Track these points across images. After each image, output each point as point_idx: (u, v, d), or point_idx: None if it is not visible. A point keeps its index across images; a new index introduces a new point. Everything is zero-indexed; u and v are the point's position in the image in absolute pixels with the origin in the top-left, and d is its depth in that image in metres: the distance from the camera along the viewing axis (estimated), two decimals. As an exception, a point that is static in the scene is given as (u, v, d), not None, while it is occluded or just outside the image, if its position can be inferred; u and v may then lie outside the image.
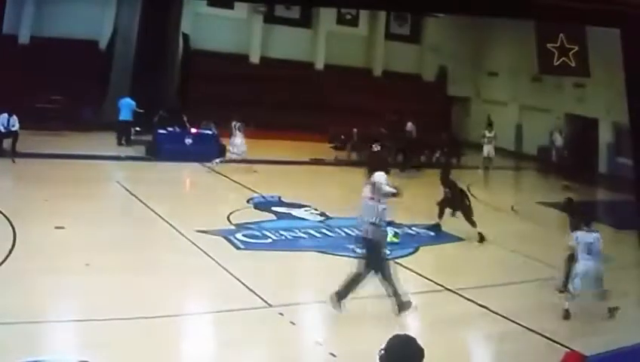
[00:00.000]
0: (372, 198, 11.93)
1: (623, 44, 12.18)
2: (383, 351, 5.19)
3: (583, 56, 17.40)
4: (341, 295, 11.87)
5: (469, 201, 16.92)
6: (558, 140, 25.40)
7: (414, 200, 18.17)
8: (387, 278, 11.83)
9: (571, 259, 13.53)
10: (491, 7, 11.14)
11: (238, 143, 21.25)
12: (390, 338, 5.21)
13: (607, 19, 11.53)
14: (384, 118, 26.13)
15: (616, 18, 11.26)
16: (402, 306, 11.77)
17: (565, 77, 23.87)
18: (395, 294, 11.79)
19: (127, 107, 23.50)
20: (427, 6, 15.85)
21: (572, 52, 17.15)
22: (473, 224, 16.55)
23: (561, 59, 17.17)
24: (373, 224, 11.81)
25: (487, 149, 24.38)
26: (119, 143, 23.49)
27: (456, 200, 16.83)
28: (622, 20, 11.32)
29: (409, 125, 26.39)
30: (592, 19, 12.09)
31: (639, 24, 11.13)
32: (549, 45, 17.24)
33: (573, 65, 17.44)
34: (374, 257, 11.88)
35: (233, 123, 21.32)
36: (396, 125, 25.86)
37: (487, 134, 24.66)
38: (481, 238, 16.41)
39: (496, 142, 24.62)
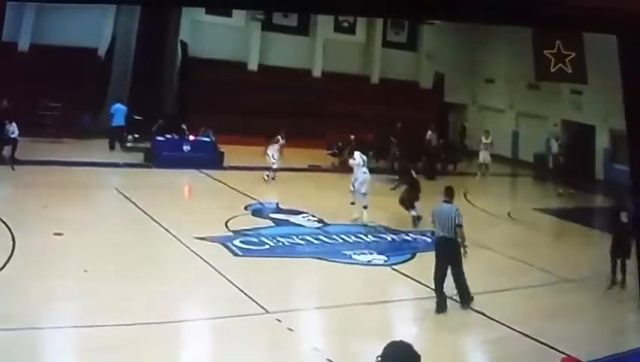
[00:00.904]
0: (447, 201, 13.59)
1: (620, 51, 12.22)
2: (379, 358, 5.23)
3: (580, 63, 17.44)
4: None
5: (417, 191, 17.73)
6: (555, 147, 25.39)
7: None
8: (462, 273, 13.05)
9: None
10: (488, 14, 11.19)
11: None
12: (387, 345, 5.24)
13: (604, 26, 11.58)
14: (394, 127, 26.18)
15: (613, 25, 11.31)
16: (465, 300, 13.07)
17: (562, 84, 23.92)
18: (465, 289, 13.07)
19: (120, 112, 23.59)
20: (424, 14, 15.91)
21: (569, 58, 17.20)
22: (407, 208, 17.49)
23: (557, 66, 17.22)
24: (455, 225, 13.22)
25: (483, 155, 24.40)
26: (111, 148, 23.53)
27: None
28: (619, 27, 11.37)
29: (429, 133, 26.41)
30: (589, 25, 12.13)
31: (636, 30, 11.18)
32: (545, 52, 17.29)
33: (570, 71, 17.48)
34: (452, 253, 13.08)
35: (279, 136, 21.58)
36: (405, 134, 25.89)
37: (484, 140, 24.67)
38: (415, 220, 17.33)
39: (492, 148, 24.64)
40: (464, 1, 11.15)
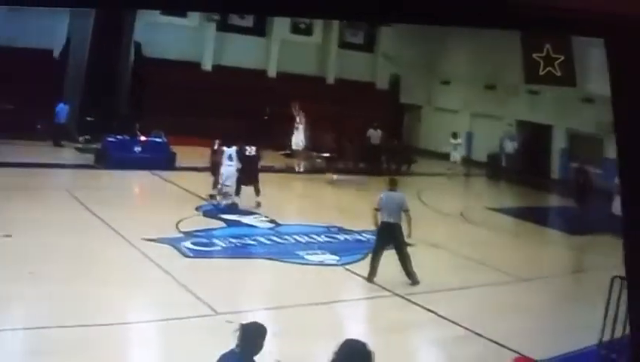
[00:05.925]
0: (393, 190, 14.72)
1: (608, 54, 12.22)
2: (333, 356, 5.22)
3: (569, 66, 17.54)
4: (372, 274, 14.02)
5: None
6: (509, 147, 25.59)
7: (364, 207, 18.19)
8: (406, 254, 14.16)
9: None
10: (474, 17, 11.14)
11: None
12: (342, 342, 5.24)
13: (591, 29, 11.58)
14: (349, 130, 26.22)
15: (602, 27, 11.31)
16: (413, 278, 14.02)
17: (519, 84, 24.07)
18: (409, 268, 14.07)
19: (63, 111, 23.61)
20: (401, 17, 15.85)
21: (558, 61, 17.29)
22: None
23: (546, 69, 17.32)
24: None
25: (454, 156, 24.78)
26: (56, 145, 23.41)
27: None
28: (607, 30, 11.38)
29: (369, 131, 26.45)
30: (577, 29, 12.14)
31: (625, 33, 11.19)
32: (534, 55, 17.36)
33: (559, 74, 17.59)
34: (398, 236, 14.14)
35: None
36: (359, 134, 25.96)
37: (453, 141, 25.04)
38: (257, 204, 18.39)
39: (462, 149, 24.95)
40: (446, 3, 11.10)
